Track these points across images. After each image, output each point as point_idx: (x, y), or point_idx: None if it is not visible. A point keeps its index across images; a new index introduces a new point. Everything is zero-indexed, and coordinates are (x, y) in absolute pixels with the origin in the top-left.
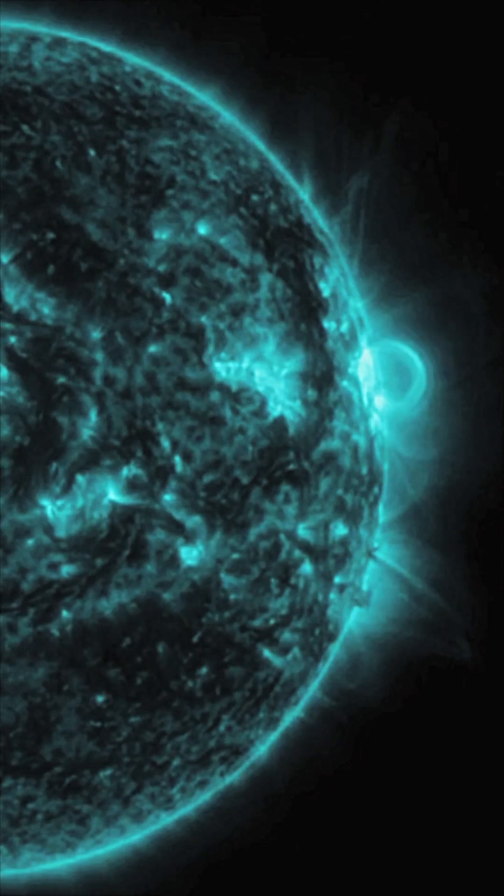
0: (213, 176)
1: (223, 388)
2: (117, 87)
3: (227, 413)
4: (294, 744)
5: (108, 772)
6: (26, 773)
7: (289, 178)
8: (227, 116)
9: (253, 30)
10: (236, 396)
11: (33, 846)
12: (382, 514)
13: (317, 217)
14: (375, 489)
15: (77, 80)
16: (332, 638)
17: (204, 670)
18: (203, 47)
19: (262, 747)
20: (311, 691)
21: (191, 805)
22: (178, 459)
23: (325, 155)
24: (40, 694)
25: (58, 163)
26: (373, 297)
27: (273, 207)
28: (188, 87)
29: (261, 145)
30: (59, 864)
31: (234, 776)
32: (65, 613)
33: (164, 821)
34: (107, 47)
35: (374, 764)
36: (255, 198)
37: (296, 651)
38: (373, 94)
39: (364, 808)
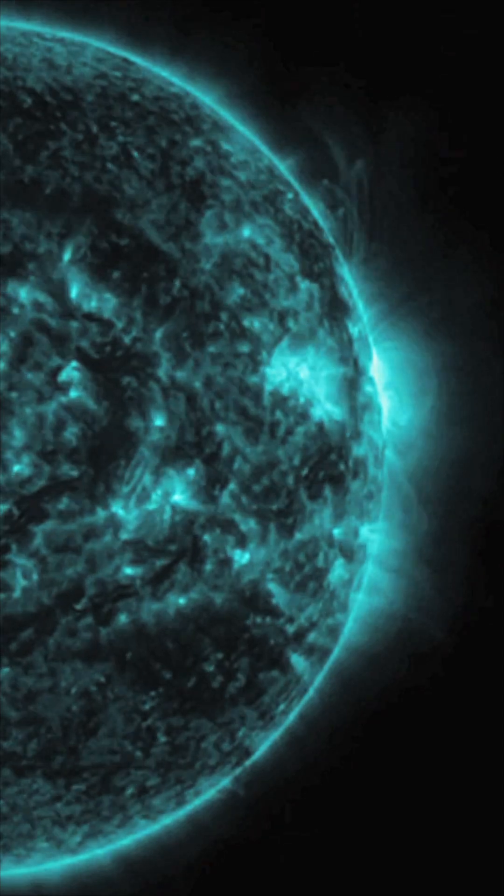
0: (243, 178)
1: (275, 392)
2: (142, 89)
3: (280, 416)
4: (293, 743)
5: (139, 773)
6: (62, 774)
7: (294, 181)
8: (230, 119)
9: (254, 32)
10: (286, 400)
11: (46, 845)
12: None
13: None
14: (383, 493)
15: (102, 82)
16: (338, 639)
17: (242, 674)
18: (204, 50)
19: (263, 747)
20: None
21: (195, 805)
22: (237, 463)
23: (326, 158)
24: (90, 695)
25: (109, 164)
26: (374, 299)
27: (297, 210)
28: (192, 90)
29: (264, 148)
30: (60, 863)
31: (234, 775)
32: (122, 615)
33: (170, 820)
34: (111, 49)
35: (371, 763)
36: (280, 200)
37: (317, 654)
38: (374, 95)
39: (362, 808)
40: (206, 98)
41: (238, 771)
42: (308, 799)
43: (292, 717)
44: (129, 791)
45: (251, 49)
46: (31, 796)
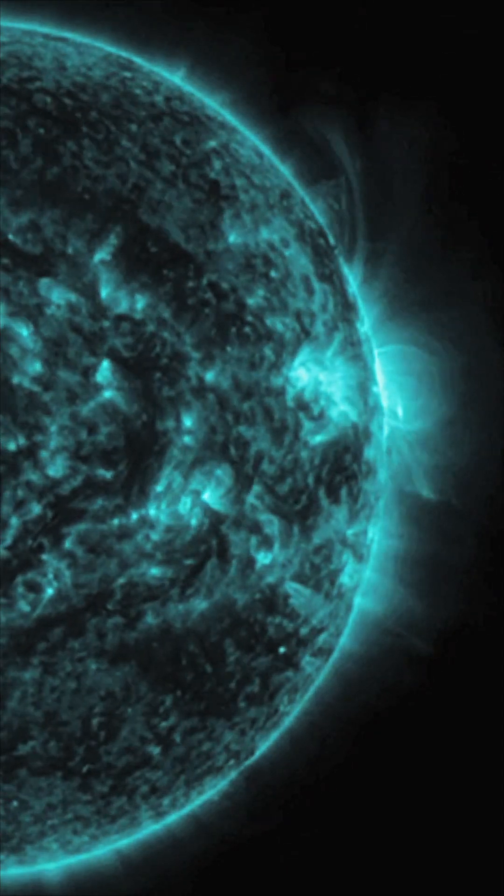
0: (256, 179)
1: (297, 393)
2: (153, 89)
3: (302, 417)
4: (293, 743)
5: (153, 774)
6: (79, 774)
7: (296, 183)
8: (232, 120)
9: (254, 34)
10: (307, 401)
11: (55, 845)
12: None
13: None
14: (383, 495)
15: (115, 82)
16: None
17: (258, 675)
18: (203, 52)
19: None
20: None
21: (197, 804)
22: (263, 464)
23: (327, 159)
24: (113, 696)
25: (132, 164)
26: (375, 300)
27: (305, 212)
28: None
29: (265, 149)
30: (60, 863)
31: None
32: (149, 616)
33: (171, 820)
34: (111, 49)
35: (371, 762)
36: (290, 201)
37: (325, 655)
38: (374, 96)
39: (363, 807)
40: (207, 100)
41: (239, 770)
42: (308, 799)
43: (293, 716)
44: (141, 791)
45: (251, 51)
46: (47, 796)
